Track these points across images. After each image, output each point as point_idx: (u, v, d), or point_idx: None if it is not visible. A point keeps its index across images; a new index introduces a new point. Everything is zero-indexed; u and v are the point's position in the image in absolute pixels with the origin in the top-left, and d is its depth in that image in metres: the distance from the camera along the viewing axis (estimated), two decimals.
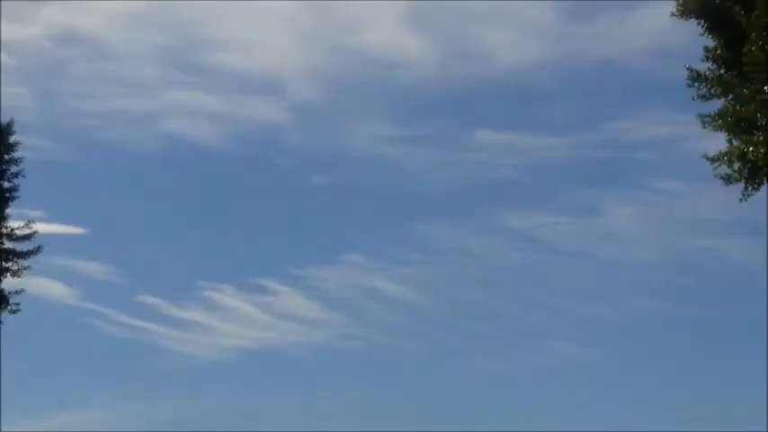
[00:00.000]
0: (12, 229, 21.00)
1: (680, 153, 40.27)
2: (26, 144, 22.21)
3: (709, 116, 13.28)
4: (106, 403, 36.95)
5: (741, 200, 13.41)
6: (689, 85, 13.54)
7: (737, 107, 12.78)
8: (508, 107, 48.02)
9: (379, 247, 43.00)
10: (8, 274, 20.82)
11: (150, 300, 39.92)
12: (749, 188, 13.02)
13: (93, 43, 49.39)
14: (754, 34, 11.68)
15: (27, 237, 21.14)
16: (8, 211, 21.14)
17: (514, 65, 47.95)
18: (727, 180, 13.29)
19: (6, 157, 21.02)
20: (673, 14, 13.43)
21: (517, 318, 42.12)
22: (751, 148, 12.37)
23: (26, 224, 21.17)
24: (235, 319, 41.92)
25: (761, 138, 12.27)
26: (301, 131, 49.49)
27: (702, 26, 13.18)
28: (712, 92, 13.30)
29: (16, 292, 20.96)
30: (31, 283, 22.59)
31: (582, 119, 46.80)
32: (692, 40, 13.47)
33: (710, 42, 13.30)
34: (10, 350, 21.87)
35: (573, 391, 37.27)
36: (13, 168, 21.12)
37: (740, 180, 12.99)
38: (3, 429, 22.12)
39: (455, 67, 49.37)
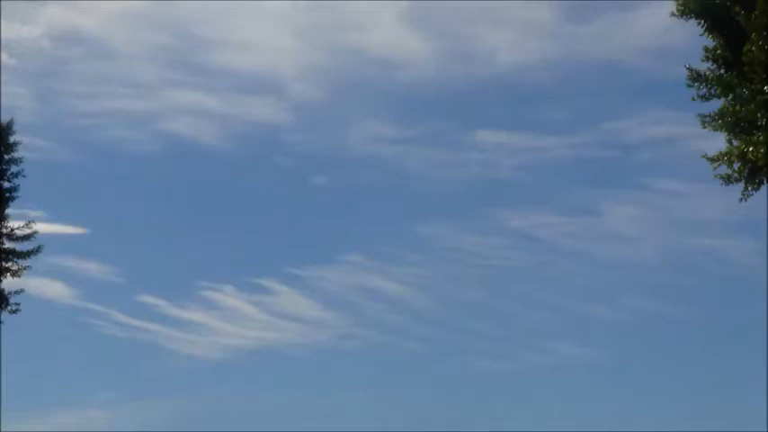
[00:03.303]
0: (12, 229, 20.99)
1: (680, 153, 40.40)
2: (26, 144, 22.22)
3: (710, 116, 13.28)
4: (106, 403, 37.02)
5: (741, 200, 13.40)
6: (689, 86, 13.54)
7: (737, 107, 12.79)
8: (508, 107, 48.12)
9: (378, 247, 43.09)
10: (8, 274, 20.81)
11: (150, 300, 39.99)
12: (749, 188, 13.01)
13: (94, 43, 49.57)
14: (754, 34, 11.69)
15: (27, 237, 21.13)
16: (8, 211, 21.14)
17: (514, 65, 48.02)
18: (727, 180, 13.28)
19: (6, 157, 21.01)
20: (673, 14, 13.43)
21: (517, 318, 42.19)
22: (751, 148, 12.37)
23: (26, 224, 21.15)
24: (235, 319, 41.96)
25: (761, 138, 12.27)
26: (301, 131, 49.61)
27: (702, 26, 13.19)
28: (712, 92, 13.30)
29: (16, 292, 20.94)
30: (31, 283, 22.62)
31: (582, 119, 46.92)
32: (692, 40, 13.47)
33: (710, 42, 13.32)
34: (10, 350, 21.91)
35: (573, 391, 37.35)
36: (13, 168, 21.09)
37: (740, 180, 12.98)
38: (3, 429, 22.14)
39: (455, 67, 49.46)
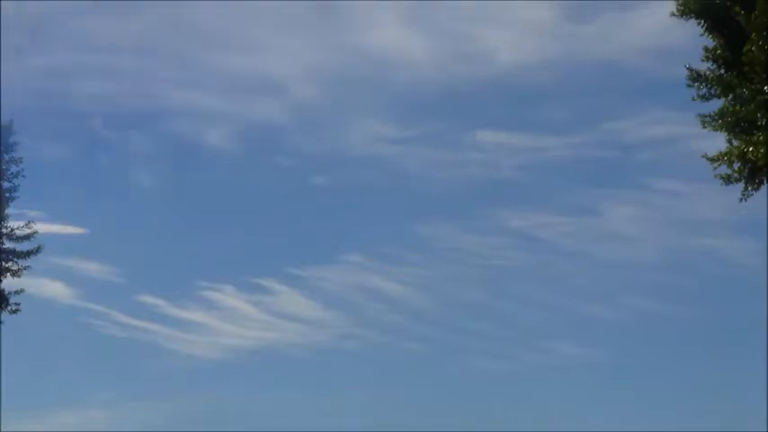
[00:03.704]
0: (12, 229, 21.01)
1: (680, 153, 40.36)
2: (26, 144, 22.31)
3: (710, 116, 13.28)
4: (106, 403, 37.00)
5: (741, 200, 13.40)
6: (689, 86, 13.54)
7: (737, 107, 12.78)
8: (508, 107, 48.09)
9: (378, 247, 43.02)
10: (8, 274, 20.82)
11: (150, 300, 39.99)
12: (749, 188, 13.00)
13: (95, 42, 49.44)
14: (754, 34, 11.68)
15: (27, 237, 21.18)
16: (8, 211, 21.15)
17: (514, 65, 47.92)
18: (727, 180, 13.28)
19: (6, 157, 21.02)
20: (672, 14, 13.43)
21: (517, 318, 42.15)
22: (751, 148, 12.36)
23: (26, 224, 21.19)
24: (235, 319, 41.93)
25: (761, 138, 12.26)
26: (301, 131, 49.54)
27: (702, 26, 13.19)
28: (712, 92, 13.30)
29: (16, 292, 20.97)
30: (31, 283, 22.62)
31: (582, 119, 46.87)
32: (692, 39, 13.48)
33: (710, 42, 13.32)
34: (10, 350, 21.90)
35: (573, 391, 37.32)
36: (13, 168, 21.15)
37: (740, 180, 12.97)
38: (3, 430, 22.13)
39: (455, 67, 49.44)
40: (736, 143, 12.84)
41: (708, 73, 13.30)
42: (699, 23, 13.27)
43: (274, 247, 45.62)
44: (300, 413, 36.26)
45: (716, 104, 13.34)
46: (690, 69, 13.49)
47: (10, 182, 21.08)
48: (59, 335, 39.64)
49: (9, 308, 20.78)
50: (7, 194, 21.00)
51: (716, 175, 13.43)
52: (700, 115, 13.52)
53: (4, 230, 20.95)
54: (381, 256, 43.30)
